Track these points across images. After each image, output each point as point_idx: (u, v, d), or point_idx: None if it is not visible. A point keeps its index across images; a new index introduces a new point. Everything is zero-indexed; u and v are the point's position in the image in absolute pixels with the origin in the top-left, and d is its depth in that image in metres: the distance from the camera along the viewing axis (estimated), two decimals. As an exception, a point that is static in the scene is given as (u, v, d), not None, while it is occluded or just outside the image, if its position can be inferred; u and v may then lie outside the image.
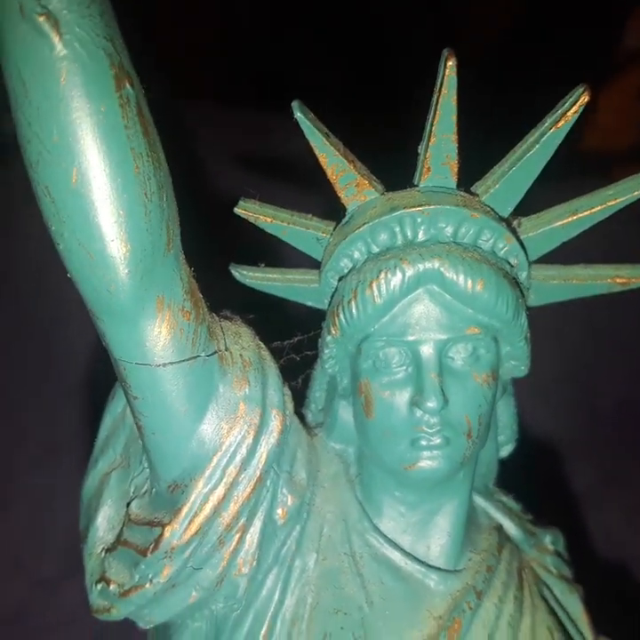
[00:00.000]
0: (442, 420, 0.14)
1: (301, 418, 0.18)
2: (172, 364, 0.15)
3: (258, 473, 0.16)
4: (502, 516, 0.17)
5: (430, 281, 0.14)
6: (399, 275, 0.14)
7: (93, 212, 0.13)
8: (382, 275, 0.14)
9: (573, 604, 0.18)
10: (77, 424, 0.39)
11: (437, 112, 0.17)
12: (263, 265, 0.21)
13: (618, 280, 0.19)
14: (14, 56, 0.13)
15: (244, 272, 0.20)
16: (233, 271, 0.19)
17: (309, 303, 0.19)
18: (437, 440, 0.15)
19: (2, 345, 0.40)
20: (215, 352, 0.16)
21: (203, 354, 0.16)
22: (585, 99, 0.21)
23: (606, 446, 0.49)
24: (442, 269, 0.14)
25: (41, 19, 0.13)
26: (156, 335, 0.15)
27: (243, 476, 0.16)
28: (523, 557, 0.18)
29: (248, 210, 0.21)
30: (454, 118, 0.18)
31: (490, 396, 0.15)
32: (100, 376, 0.36)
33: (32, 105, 0.13)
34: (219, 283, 0.20)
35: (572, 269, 0.19)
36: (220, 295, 0.19)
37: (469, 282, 0.14)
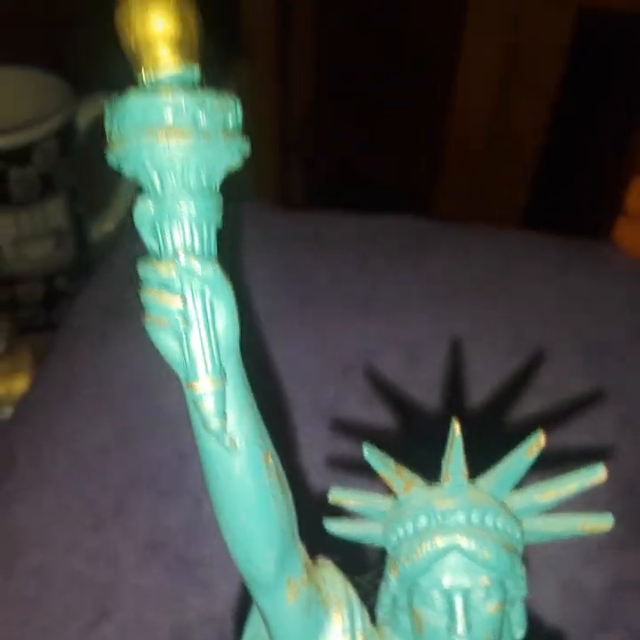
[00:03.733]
0: (467, 637, 0.21)
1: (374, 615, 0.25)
2: (294, 612, 0.22)
3: None
4: None
5: (454, 550, 0.21)
6: (434, 546, 0.21)
7: (251, 538, 0.21)
8: (425, 546, 0.21)
9: None
10: (175, 524, 0.42)
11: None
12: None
13: (583, 528, 0.23)
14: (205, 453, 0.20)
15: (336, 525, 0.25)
16: (326, 525, 0.24)
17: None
18: None
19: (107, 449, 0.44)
20: (320, 598, 0.22)
21: (314, 602, 0.22)
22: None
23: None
24: (461, 543, 0.21)
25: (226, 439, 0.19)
26: (285, 598, 0.21)
27: None
28: None
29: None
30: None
31: (500, 617, 0.22)
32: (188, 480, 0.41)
33: (217, 488, 0.20)
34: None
35: (549, 524, 0.23)
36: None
37: (480, 551, 0.21)
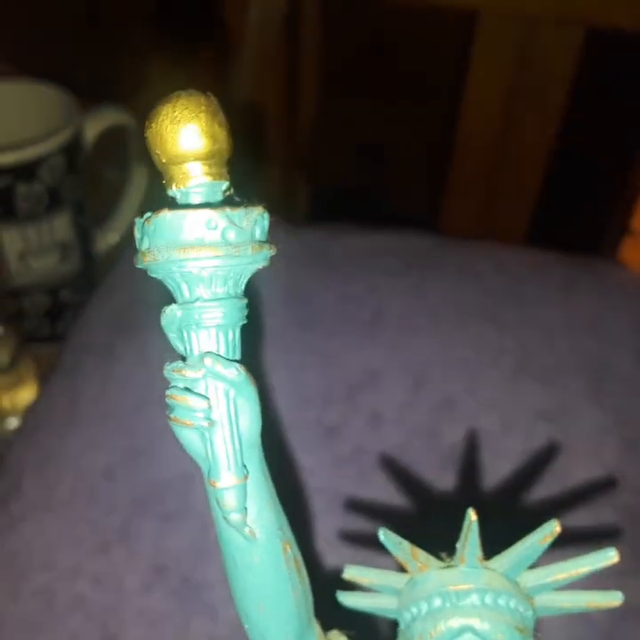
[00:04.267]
0: None
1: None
2: None
3: None
4: None
5: (468, 631, 0.21)
6: (449, 627, 0.21)
7: (268, 625, 0.21)
8: (439, 626, 0.21)
9: None
10: (180, 546, 0.42)
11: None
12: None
13: (591, 605, 0.23)
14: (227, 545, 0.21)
15: (350, 598, 0.25)
16: (340, 598, 0.24)
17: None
18: None
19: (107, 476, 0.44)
20: None
21: None
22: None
23: None
24: (474, 625, 0.21)
25: (246, 530, 0.19)
26: None
27: None
28: None
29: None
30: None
31: None
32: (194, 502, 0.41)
33: (236, 577, 0.21)
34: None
35: (560, 600, 0.23)
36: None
37: (493, 632, 0.21)
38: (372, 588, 0.24)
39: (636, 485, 0.44)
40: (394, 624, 0.23)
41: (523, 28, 0.64)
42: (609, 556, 0.22)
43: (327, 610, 0.23)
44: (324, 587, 0.23)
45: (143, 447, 0.46)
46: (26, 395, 0.61)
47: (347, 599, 0.24)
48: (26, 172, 0.51)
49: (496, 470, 0.44)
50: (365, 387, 0.48)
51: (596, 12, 0.62)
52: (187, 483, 0.44)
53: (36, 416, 0.49)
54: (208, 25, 0.76)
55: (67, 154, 0.53)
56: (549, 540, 0.22)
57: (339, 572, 0.24)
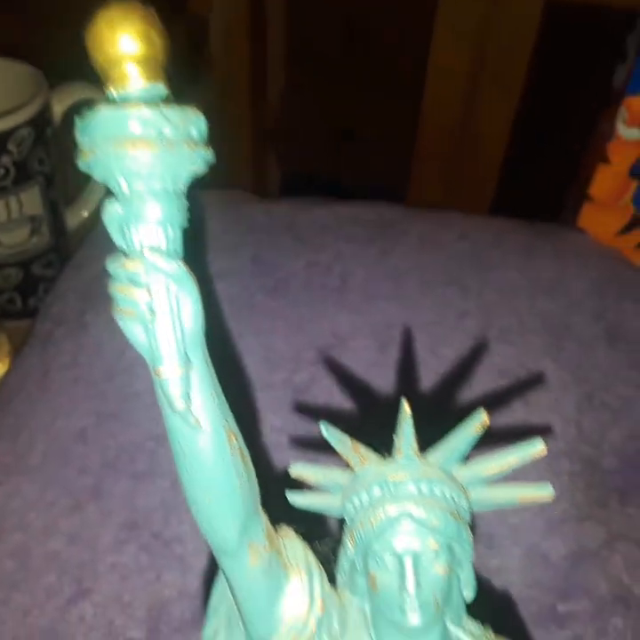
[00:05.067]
0: (418, 598, 0.23)
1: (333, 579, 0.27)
2: (256, 575, 0.23)
3: (310, 634, 0.24)
4: (467, 638, 0.25)
5: (405, 517, 0.23)
6: (386, 513, 0.23)
7: (214, 509, 0.22)
8: (379, 513, 0.23)
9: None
10: (151, 504, 0.43)
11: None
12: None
13: (523, 498, 0.24)
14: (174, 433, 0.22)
15: (298, 497, 0.26)
16: (289, 497, 0.26)
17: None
18: (416, 608, 0.23)
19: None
20: (281, 562, 0.24)
21: (275, 566, 0.24)
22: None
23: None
24: (411, 511, 0.23)
25: (191, 419, 0.21)
26: (247, 563, 0.23)
27: (301, 637, 0.24)
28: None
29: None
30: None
31: (448, 578, 0.23)
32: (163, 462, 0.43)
33: (183, 465, 0.22)
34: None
35: (493, 494, 0.24)
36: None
37: (428, 517, 0.23)
38: (319, 487, 0.25)
39: (592, 436, 0.46)
40: (340, 523, 0.25)
41: (483, 1, 0.65)
42: (536, 447, 0.23)
43: (278, 508, 0.24)
44: (276, 488, 0.24)
45: (113, 412, 0.46)
46: (-1, 370, 0.61)
47: (295, 499, 0.25)
48: (-7, 145, 0.52)
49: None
50: (333, 349, 0.49)
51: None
52: (155, 444, 0.45)
53: (9, 385, 0.49)
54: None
55: (34, 127, 0.53)
56: (479, 429, 0.23)
57: (288, 473, 0.25)
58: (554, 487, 0.46)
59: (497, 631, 0.27)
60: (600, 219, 0.58)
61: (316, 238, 0.56)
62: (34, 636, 0.39)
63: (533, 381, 0.48)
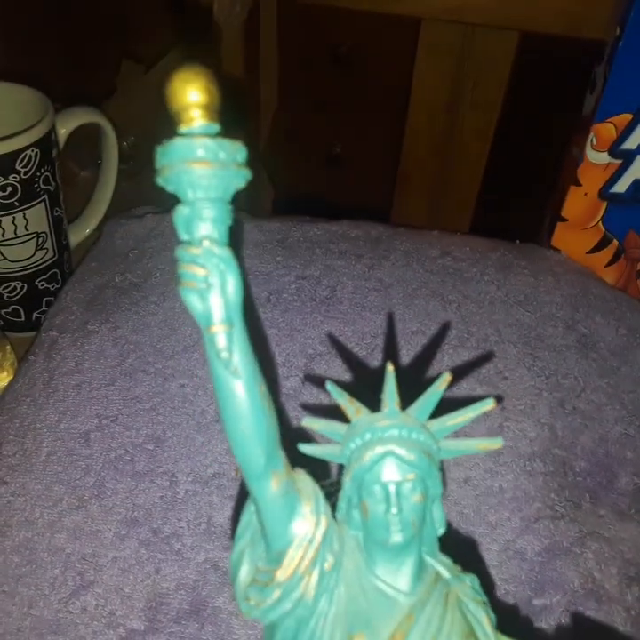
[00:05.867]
0: (400, 519, 0.29)
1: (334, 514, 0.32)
2: (276, 497, 0.28)
3: (316, 545, 0.29)
4: (440, 566, 0.31)
5: (390, 454, 0.28)
6: (375, 452, 0.29)
7: (247, 439, 0.27)
8: (369, 452, 0.29)
9: (480, 614, 0.31)
10: (151, 502, 0.46)
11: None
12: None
13: (480, 446, 0.30)
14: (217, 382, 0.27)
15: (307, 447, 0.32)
16: (300, 448, 0.32)
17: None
18: (398, 528, 0.29)
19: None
20: (295, 487, 0.29)
21: (291, 490, 0.29)
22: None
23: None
24: (394, 450, 0.28)
25: (232, 368, 0.26)
26: (270, 486, 0.28)
27: (309, 548, 0.29)
28: (449, 588, 0.31)
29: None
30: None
31: (423, 506, 0.29)
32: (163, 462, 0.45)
33: (224, 404, 0.27)
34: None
35: (456, 444, 0.31)
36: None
37: (408, 455, 0.28)
38: (324, 437, 0.30)
39: (565, 440, 0.49)
40: (341, 467, 0.30)
41: (461, 32, 0.70)
42: (488, 403, 0.29)
43: (291, 457, 0.29)
44: (291, 442, 0.29)
45: (115, 415, 0.49)
46: (3, 383, 0.63)
47: (305, 448, 0.30)
48: (2, 165, 0.55)
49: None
50: (322, 356, 0.52)
51: (529, 18, 0.68)
52: (155, 445, 0.47)
53: (15, 390, 0.52)
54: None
55: (41, 148, 0.57)
56: (444, 385, 0.29)
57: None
58: (530, 488, 0.49)
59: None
60: (572, 238, 0.62)
61: (307, 253, 0.59)
62: (38, 627, 0.41)
63: (510, 388, 0.51)
